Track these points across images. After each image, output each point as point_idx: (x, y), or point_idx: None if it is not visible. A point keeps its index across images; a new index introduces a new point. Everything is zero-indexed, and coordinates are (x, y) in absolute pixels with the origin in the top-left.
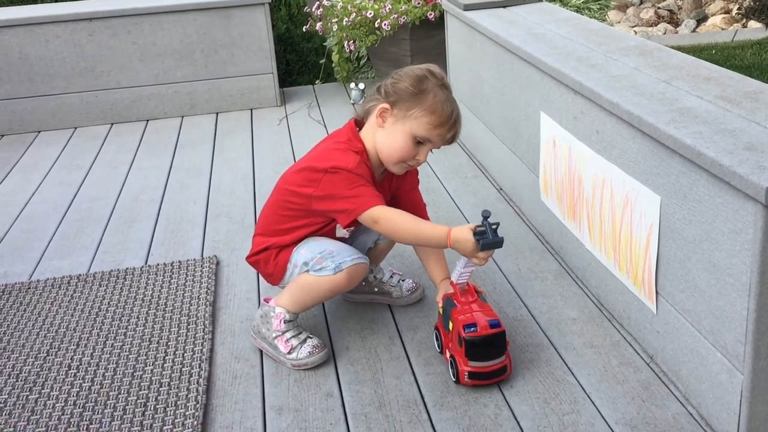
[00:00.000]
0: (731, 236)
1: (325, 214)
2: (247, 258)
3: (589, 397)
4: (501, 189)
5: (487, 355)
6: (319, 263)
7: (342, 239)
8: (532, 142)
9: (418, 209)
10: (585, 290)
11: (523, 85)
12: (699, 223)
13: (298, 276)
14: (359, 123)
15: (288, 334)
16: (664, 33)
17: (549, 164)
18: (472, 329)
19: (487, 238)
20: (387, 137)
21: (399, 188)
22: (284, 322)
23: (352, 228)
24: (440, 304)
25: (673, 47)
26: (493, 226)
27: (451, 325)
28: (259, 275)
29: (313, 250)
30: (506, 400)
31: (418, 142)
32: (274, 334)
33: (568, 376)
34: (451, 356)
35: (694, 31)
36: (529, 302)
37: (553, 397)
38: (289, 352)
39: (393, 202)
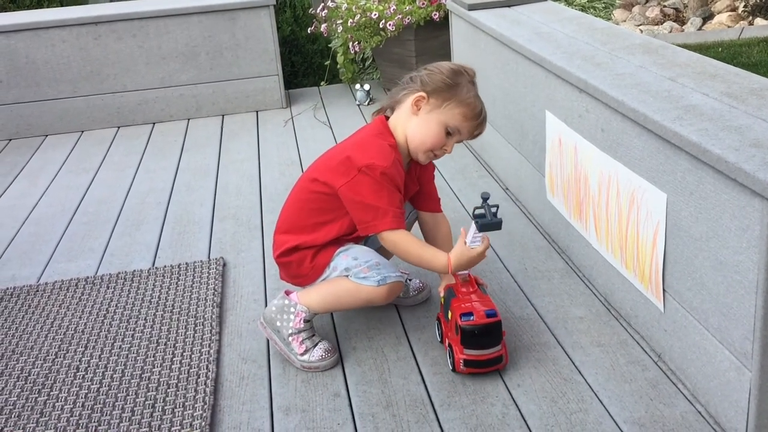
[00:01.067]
0: (738, 233)
1: (350, 213)
2: (278, 258)
3: (596, 395)
4: (507, 188)
5: (483, 344)
6: (365, 272)
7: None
8: (538, 141)
9: (433, 201)
10: (592, 289)
11: (528, 84)
12: (705, 221)
13: (335, 278)
14: (386, 118)
15: (304, 335)
16: (670, 31)
17: (555, 163)
18: (469, 318)
19: (486, 220)
20: (420, 125)
21: (421, 178)
22: (304, 322)
23: None
24: (441, 294)
25: (679, 45)
26: (493, 209)
27: (450, 314)
28: (267, 278)
29: (359, 258)
30: (513, 400)
31: (448, 132)
32: (290, 331)
33: (575, 375)
34: (449, 345)
35: (700, 29)
36: (536, 301)
37: (561, 395)
38: (302, 353)
39: (416, 196)
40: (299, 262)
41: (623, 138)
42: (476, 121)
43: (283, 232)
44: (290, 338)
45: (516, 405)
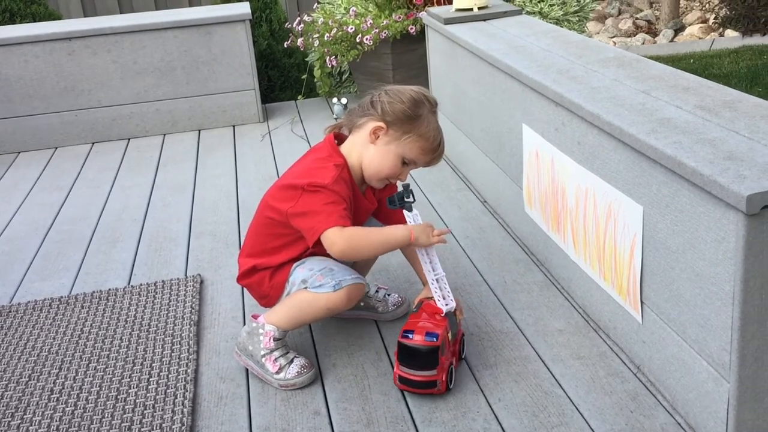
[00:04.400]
0: (714, 245)
1: (300, 231)
2: (239, 281)
3: (577, 408)
4: (485, 201)
5: (415, 365)
6: (319, 280)
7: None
8: (515, 154)
9: (399, 213)
10: (571, 301)
11: (504, 97)
12: (682, 233)
13: (294, 293)
14: (338, 136)
15: (276, 353)
16: (643, 43)
17: (532, 176)
18: (408, 336)
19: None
20: (377, 155)
21: (380, 196)
22: (274, 341)
23: None
24: (414, 305)
25: (651, 57)
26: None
27: None
28: (246, 295)
29: (313, 268)
30: (495, 414)
31: (404, 162)
32: (262, 353)
33: (555, 388)
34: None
35: (672, 40)
36: (516, 314)
37: (542, 409)
38: (277, 372)
39: (377, 214)
40: (259, 283)
41: (599, 151)
42: (433, 154)
43: (244, 255)
44: (263, 359)
45: (497, 419)
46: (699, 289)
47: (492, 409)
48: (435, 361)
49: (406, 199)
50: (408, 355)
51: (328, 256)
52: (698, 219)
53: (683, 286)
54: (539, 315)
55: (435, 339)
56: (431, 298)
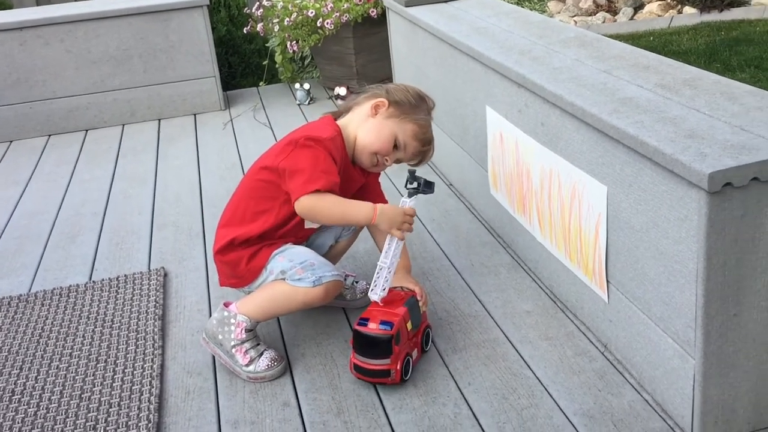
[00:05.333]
0: (677, 223)
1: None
2: (215, 255)
3: (546, 389)
4: (451, 185)
5: (369, 353)
6: (299, 273)
7: (311, 231)
8: (480, 136)
9: (380, 197)
10: (538, 282)
11: (467, 79)
12: (645, 212)
13: (271, 283)
14: (335, 117)
15: (247, 345)
16: (603, 21)
17: (497, 158)
18: (362, 323)
19: (423, 189)
20: (374, 128)
21: (369, 176)
22: (245, 332)
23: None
24: None
25: (612, 36)
26: (420, 180)
27: None
28: (211, 287)
29: (293, 260)
30: (465, 398)
31: (395, 145)
32: (233, 343)
33: (525, 370)
34: None
35: (631, 18)
36: (484, 297)
37: (511, 392)
38: (247, 364)
39: (362, 190)
40: (235, 262)
41: (563, 132)
42: (423, 144)
43: (223, 225)
44: (233, 350)
45: (467, 404)
46: (663, 267)
47: (462, 393)
48: (388, 350)
49: (409, 185)
50: (362, 343)
51: (298, 228)
52: (661, 198)
53: (648, 264)
54: (507, 297)
55: (389, 328)
56: (399, 287)
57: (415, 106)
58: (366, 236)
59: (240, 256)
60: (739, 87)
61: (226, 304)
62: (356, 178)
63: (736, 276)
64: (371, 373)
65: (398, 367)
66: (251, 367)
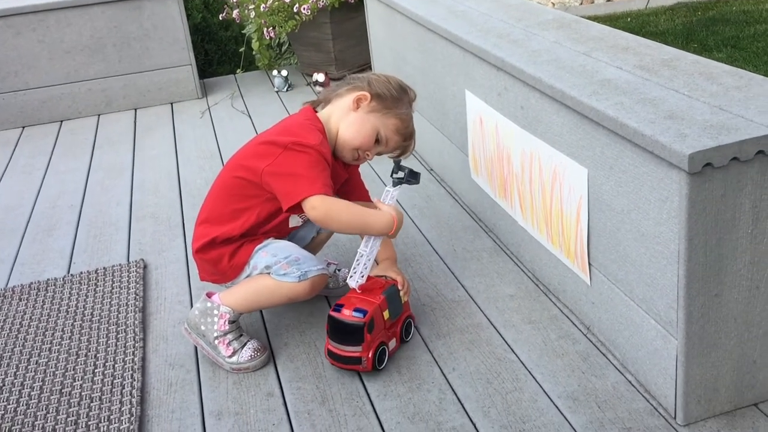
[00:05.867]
0: (658, 205)
1: (273, 193)
2: (195, 253)
3: (530, 373)
4: (432, 170)
5: (341, 339)
6: (284, 268)
7: (294, 229)
8: (460, 120)
9: (363, 190)
10: (520, 266)
11: (446, 64)
12: (626, 194)
13: (256, 276)
14: (314, 110)
15: (230, 336)
16: (581, 3)
17: (477, 142)
18: (336, 309)
19: (407, 179)
20: (355, 122)
21: (348, 167)
22: (228, 323)
23: (305, 216)
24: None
25: (589, 18)
26: (405, 170)
27: None
28: (192, 278)
29: (278, 254)
30: (449, 384)
31: (377, 140)
32: (215, 334)
33: (509, 354)
34: None
35: (609, 0)
36: (467, 282)
37: (496, 376)
38: (230, 356)
39: (344, 185)
40: (217, 259)
41: (542, 115)
42: (405, 139)
43: (201, 222)
44: (216, 341)
45: (452, 389)
46: (645, 248)
47: (447, 379)
48: (360, 338)
49: (395, 175)
50: (335, 329)
51: (281, 227)
52: (642, 179)
53: (629, 246)
54: (490, 282)
55: (362, 315)
56: (382, 276)
57: (397, 99)
58: None
59: (221, 254)
60: (717, 67)
61: (209, 295)
62: (340, 174)
63: (717, 256)
64: (343, 359)
65: (369, 356)
66: (234, 358)
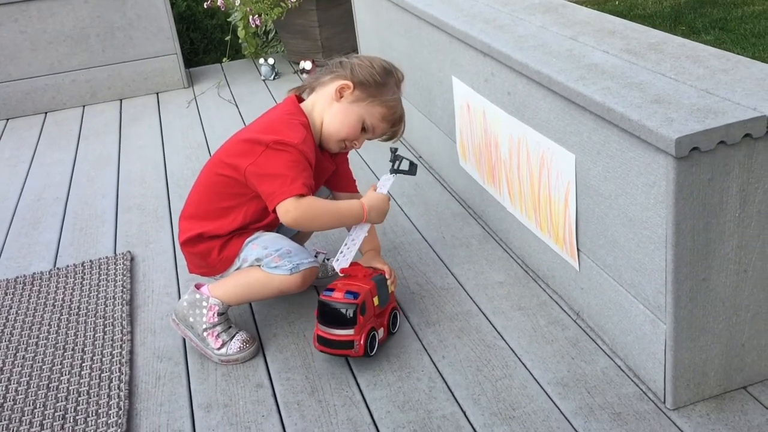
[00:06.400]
0: (645, 190)
1: (257, 192)
2: (182, 245)
3: (520, 359)
4: (420, 157)
5: (332, 322)
6: (276, 261)
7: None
8: (447, 107)
9: (350, 181)
10: (509, 253)
11: (432, 50)
12: (614, 179)
13: (246, 269)
14: (300, 98)
15: (219, 328)
16: None
17: (465, 129)
18: (328, 293)
19: (397, 165)
20: (339, 113)
21: (336, 158)
22: (217, 315)
23: None
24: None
25: (577, 1)
26: (404, 161)
27: None
28: (180, 270)
29: (269, 247)
30: (439, 372)
31: (363, 128)
32: (204, 326)
33: (498, 341)
34: None
35: None
36: (456, 269)
37: (485, 363)
38: (219, 348)
39: (332, 176)
40: (205, 253)
41: (529, 101)
42: (393, 125)
43: (187, 217)
44: (205, 333)
45: (442, 377)
46: (633, 234)
47: (436, 367)
48: (353, 320)
49: (392, 164)
50: (326, 312)
51: (273, 224)
52: (629, 164)
53: (617, 231)
54: (479, 269)
55: (354, 297)
56: (369, 267)
57: (382, 85)
58: None
59: (210, 248)
60: (705, 50)
61: (198, 286)
62: (327, 167)
63: (705, 240)
64: (334, 344)
65: (362, 340)
66: (223, 350)
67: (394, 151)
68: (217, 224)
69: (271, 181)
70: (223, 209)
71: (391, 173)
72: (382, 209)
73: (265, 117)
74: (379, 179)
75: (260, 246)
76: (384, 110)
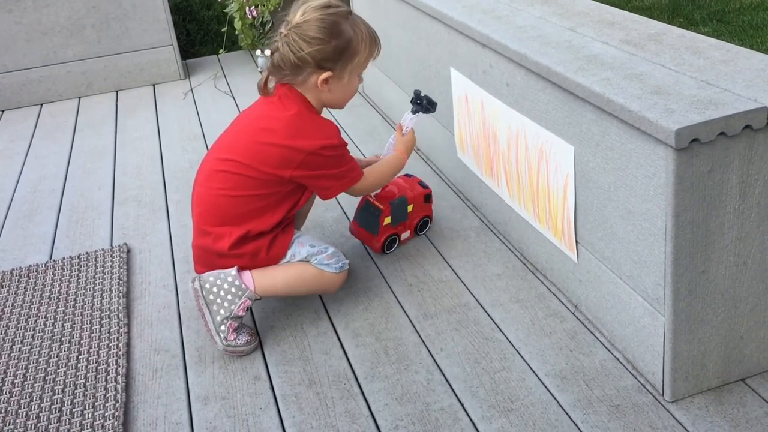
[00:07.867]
0: (644, 181)
1: (306, 186)
2: (229, 250)
3: (518, 352)
4: (418, 149)
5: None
6: (328, 259)
7: None
8: (445, 99)
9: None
10: (507, 245)
11: (430, 41)
12: (613, 171)
13: (297, 264)
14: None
15: (239, 321)
16: None
17: (463, 121)
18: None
19: (425, 107)
20: (337, 92)
21: None
22: (246, 309)
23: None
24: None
25: None
26: (424, 99)
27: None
28: (177, 261)
29: (315, 245)
30: (437, 364)
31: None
32: (230, 314)
33: (496, 333)
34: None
35: None
36: (454, 262)
37: (484, 356)
38: (234, 339)
39: None
40: (254, 253)
41: (528, 92)
42: (375, 50)
43: (219, 223)
44: (226, 321)
45: (440, 369)
46: (632, 226)
47: (434, 359)
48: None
49: (414, 103)
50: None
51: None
52: (628, 156)
53: (616, 223)
54: (477, 261)
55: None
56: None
57: (345, 46)
58: (333, 204)
59: (258, 247)
60: (704, 41)
61: (241, 272)
62: None
63: (704, 232)
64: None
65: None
66: (232, 341)
67: (417, 93)
68: (260, 221)
69: (333, 179)
70: (260, 208)
71: (413, 112)
72: (412, 147)
73: (269, 113)
74: (403, 115)
75: (307, 244)
76: (364, 54)
